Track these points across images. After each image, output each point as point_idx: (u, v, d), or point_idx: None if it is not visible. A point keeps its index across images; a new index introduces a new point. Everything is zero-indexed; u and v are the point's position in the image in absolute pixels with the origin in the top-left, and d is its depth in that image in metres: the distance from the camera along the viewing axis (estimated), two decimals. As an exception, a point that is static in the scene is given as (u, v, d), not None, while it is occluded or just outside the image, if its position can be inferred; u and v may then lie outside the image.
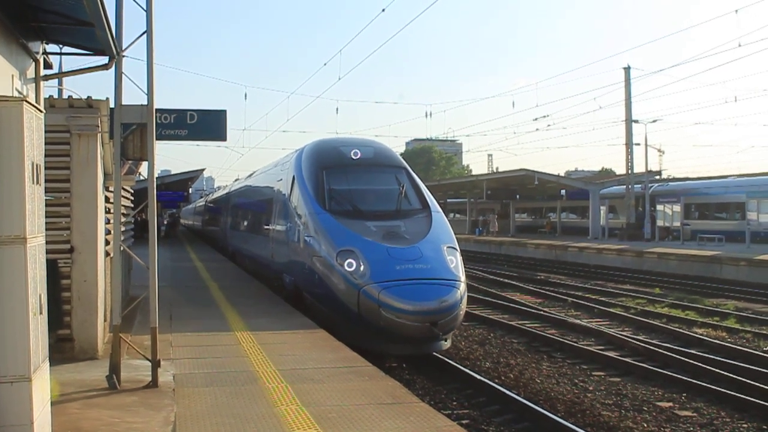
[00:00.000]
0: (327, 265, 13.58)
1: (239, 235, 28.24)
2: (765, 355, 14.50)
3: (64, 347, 10.18)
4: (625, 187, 49.06)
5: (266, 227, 20.04)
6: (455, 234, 14.90)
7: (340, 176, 15.48)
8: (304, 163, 16.25)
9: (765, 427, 10.24)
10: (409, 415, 7.69)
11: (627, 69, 47.52)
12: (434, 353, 13.46)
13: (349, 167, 15.69)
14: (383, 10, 19.09)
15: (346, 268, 12.96)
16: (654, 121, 52.84)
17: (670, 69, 43.30)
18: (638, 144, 48.92)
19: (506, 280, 29.43)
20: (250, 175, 29.13)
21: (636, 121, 48.24)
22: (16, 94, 7.38)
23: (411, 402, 8.27)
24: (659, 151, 64.85)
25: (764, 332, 17.62)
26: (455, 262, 13.39)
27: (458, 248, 14.00)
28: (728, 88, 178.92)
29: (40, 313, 5.97)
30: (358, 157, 15.80)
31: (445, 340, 13.26)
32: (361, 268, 12.84)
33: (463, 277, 13.26)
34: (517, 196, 62.14)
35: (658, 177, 59.20)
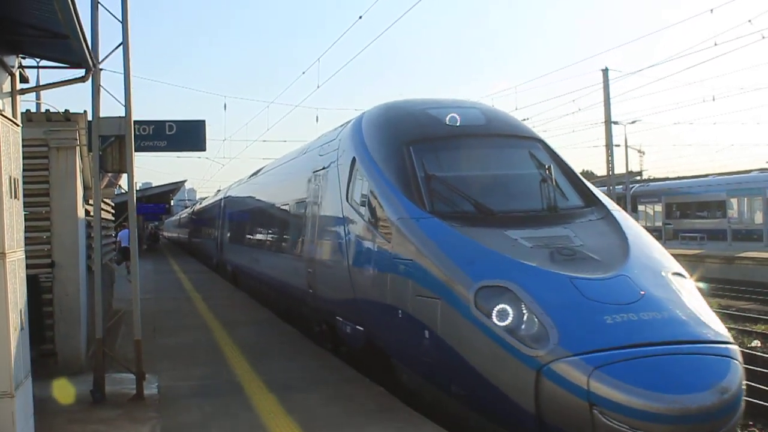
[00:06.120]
0: (451, 315, 7.49)
1: (243, 251, 21.68)
2: (749, 351, 14.60)
3: (47, 362, 10.10)
4: (606, 188, 49.29)
5: (297, 241, 13.66)
6: None
7: (439, 155, 9.62)
8: (371, 136, 10.38)
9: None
10: (397, 421, 7.67)
11: (605, 71, 47.73)
12: None
13: (451, 140, 9.80)
14: (360, 17, 19.07)
15: (497, 321, 7.01)
16: (633, 122, 52.79)
17: (647, 69, 43.76)
18: (618, 145, 49.24)
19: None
20: (257, 173, 23.10)
21: (615, 123, 48.43)
22: (-8, 108, 7.33)
23: (398, 408, 8.22)
24: (639, 151, 65.43)
25: (748, 329, 17.74)
26: (697, 301, 7.55)
27: (687, 274, 8.09)
28: (706, 87, 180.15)
29: (22, 328, 5.93)
30: (458, 123, 9.92)
31: None
32: (534, 322, 6.88)
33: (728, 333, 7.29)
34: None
35: (639, 178, 59.59)
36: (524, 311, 6.94)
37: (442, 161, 9.49)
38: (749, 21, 24.59)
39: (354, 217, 10.18)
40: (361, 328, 9.91)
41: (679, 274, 7.86)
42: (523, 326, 6.87)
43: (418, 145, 9.56)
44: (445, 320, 7.56)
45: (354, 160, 10.42)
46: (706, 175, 51.01)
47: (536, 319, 6.84)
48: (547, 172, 9.39)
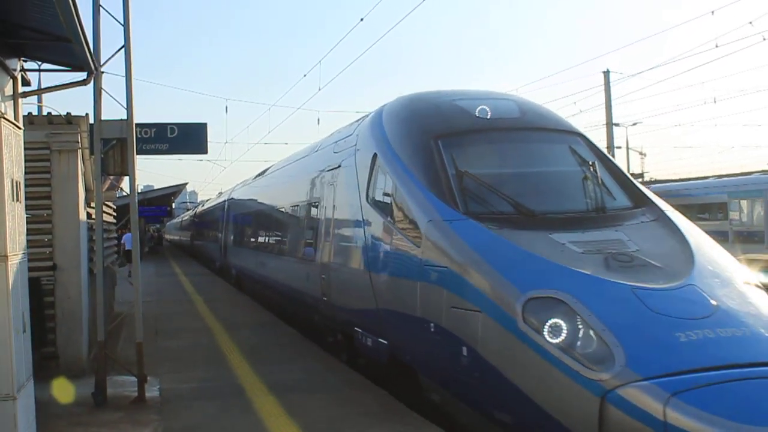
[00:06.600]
0: (494, 330, 6.59)
1: (250, 255, 20.64)
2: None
3: (49, 365, 10.10)
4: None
5: (309, 245, 12.63)
6: None
7: (471, 150, 8.73)
8: (393, 130, 9.47)
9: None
10: (400, 424, 7.66)
11: (606, 73, 47.78)
12: None
13: (483, 134, 8.92)
14: (362, 19, 19.06)
15: (550, 338, 6.12)
16: (634, 124, 53.05)
17: (648, 72, 43.77)
18: (620, 147, 49.35)
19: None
20: (263, 173, 21.91)
21: (617, 125, 48.49)
22: (-6, 111, 7.34)
23: (401, 411, 8.21)
24: (641, 153, 65.28)
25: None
26: None
27: (759, 283, 7.21)
28: (707, 89, 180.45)
29: (24, 331, 5.93)
30: (489, 116, 9.02)
31: None
32: (592, 339, 6.01)
33: None
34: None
35: (640, 180, 59.54)
36: (580, 326, 6.04)
37: (474, 157, 8.58)
38: (750, 23, 24.56)
39: (375, 219, 9.25)
40: (385, 342, 8.91)
41: (751, 283, 6.98)
42: (578, 344, 5.98)
43: (448, 140, 8.61)
44: (488, 336, 6.63)
45: (375, 156, 9.49)
46: (707, 177, 51.02)
47: (594, 336, 5.95)
48: (591, 169, 8.60)
